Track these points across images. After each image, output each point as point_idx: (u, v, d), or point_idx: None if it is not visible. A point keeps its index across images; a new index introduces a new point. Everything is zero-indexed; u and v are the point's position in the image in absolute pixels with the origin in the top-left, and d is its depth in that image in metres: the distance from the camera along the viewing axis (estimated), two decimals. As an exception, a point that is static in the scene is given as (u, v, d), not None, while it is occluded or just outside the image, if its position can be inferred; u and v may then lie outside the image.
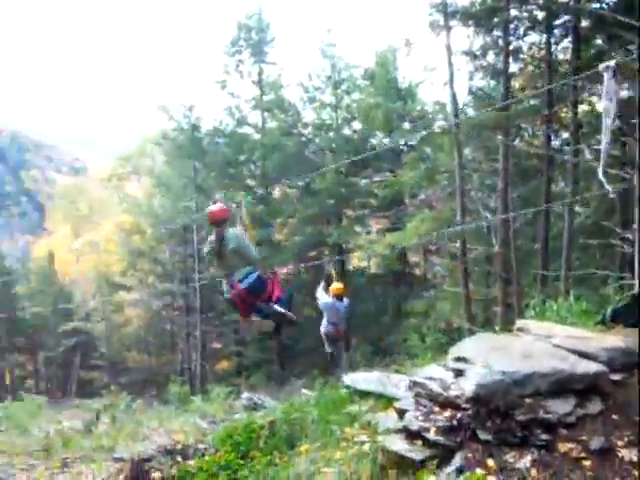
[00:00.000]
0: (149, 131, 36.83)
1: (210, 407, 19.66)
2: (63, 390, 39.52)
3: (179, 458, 6.55)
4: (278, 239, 28.56)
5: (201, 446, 6.89)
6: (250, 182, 30.27)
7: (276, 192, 29.32)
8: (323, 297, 11.22)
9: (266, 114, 29.15)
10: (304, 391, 11.03)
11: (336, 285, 11.20)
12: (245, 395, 19.34)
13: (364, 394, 6.25)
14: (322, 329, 11.58)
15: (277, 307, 6.79)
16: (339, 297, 11.12)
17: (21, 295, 42.24)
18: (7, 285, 40.56)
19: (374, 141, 28.41)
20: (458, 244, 18.76)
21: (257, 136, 29.62)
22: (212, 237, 6.91)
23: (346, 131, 28.61)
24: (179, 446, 7.10)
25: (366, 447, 4.55)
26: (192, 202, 28.85)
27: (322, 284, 11.57)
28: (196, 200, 28.88)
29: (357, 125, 29.18)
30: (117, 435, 14.38)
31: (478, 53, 16.94)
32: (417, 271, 31.62)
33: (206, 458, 5.92)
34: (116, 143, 39.44)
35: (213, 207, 6.99)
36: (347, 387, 6.66)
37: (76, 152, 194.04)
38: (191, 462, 6.14)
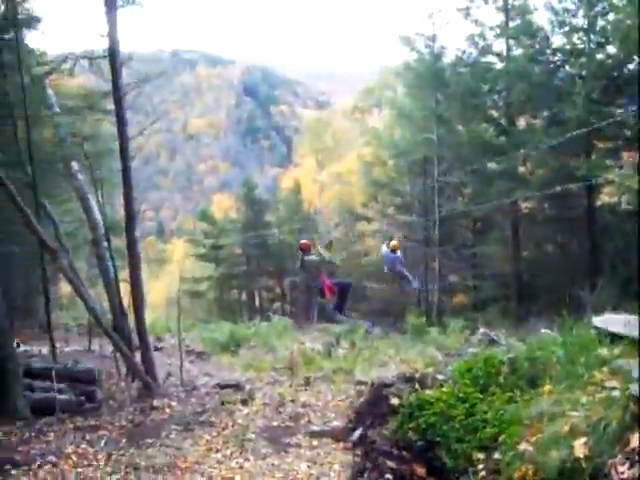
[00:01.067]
0: (391, 62, 37.68)
1: (446, 340, 20.61)
2: (306, 315, 43.74)
3: (417, 386, 6.73)
4: (522, 172, 27.72)
5: (439, 377, 7.05)
6: (493, 113, 29.62)
7: (520, 122, 28.27)
8: (385, 251, 17.66)
9: (511, 41, 28.00)
10: (544, 331, 11.07)
11: (393, 242, 17.63)
12: (481, 330, 19.96)
13: (615, 338, 6.04)
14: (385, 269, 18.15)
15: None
16: (394, 251, 17.24)
17: (270, 223, 47.16)
18: (258, 213, 45.81)
19: (631, 66, 25.61)
20: None
21: (501, 65, 28.71)
22: (300, 257, 14.82)
23: (599, 56, 26.18)
24: (417, 374, 7.36)
25: (616, 393, 4.41)
26: (433, 134, 29.16)
27: (385, 242, 18.23)
28: (437, 131, 29.20)
29: (612, 49, 26.49)
30: (355, 359, 16.01)
31: None
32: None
33: (444, 389, 6.07)
34: (359, 76, 40.91)
35: (302, 240, 15.38)
36: (596, 328, 6.58)
37: (321, 86, 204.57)
38: (429, 391, 6.29)
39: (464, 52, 29.35)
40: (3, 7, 14.30)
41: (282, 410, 10.23)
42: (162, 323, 34.38)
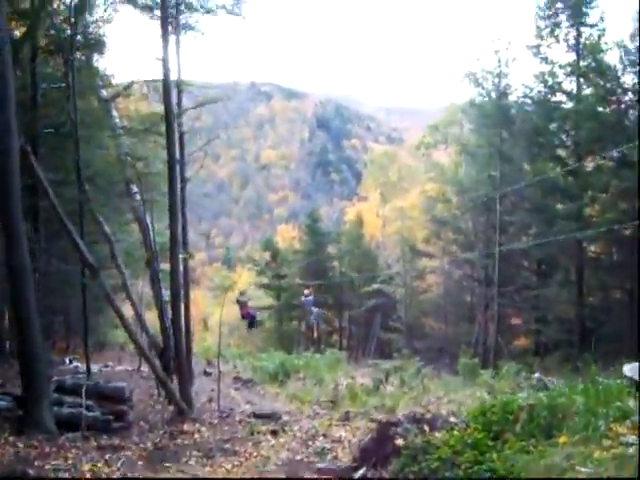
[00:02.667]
0: (459, 99, 37.52)
1: (498, 383, 19.83)
2: (363, 349, 43.29)
3: (426, 427, 6.48)
4: (588, 213, 26.76)
5: (452, 419, 6.83)
6: (560, 152, 28.82)
7: (589, 162, 27.38)
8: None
9: (582, 80, 27.22)
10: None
11: (306, 291, 21.67)
12: (536, 375, 19.06)
13: (647, 388, 5.86)
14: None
15: None
16: (308, 296, 20.61)
17: (332, 255, 47.18)
18: (320, 245, 45.89)
19: None
20: None
21: (570, 103, 27.99)
22: None
23: (673, 97, 25.20)
24: (429, 415, 7.18)
25: (632, 450, 4.21)
26: (496, 171, 28.66)
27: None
28: (501, 169, 28.66)
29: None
30: (401, 397, 15.61)
31: None
32: None
33: (455, 432, 5.80)
34: (434, 112, 40.86)
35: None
36: (626, 377, 6.17)
37: (394, 122, 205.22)
38: (438, 434, 6.04)
39: (531, 89, 28.86)
40: (70, 29, 15.09)
41: (311, 444, 10.04)
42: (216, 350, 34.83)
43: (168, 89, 11.43)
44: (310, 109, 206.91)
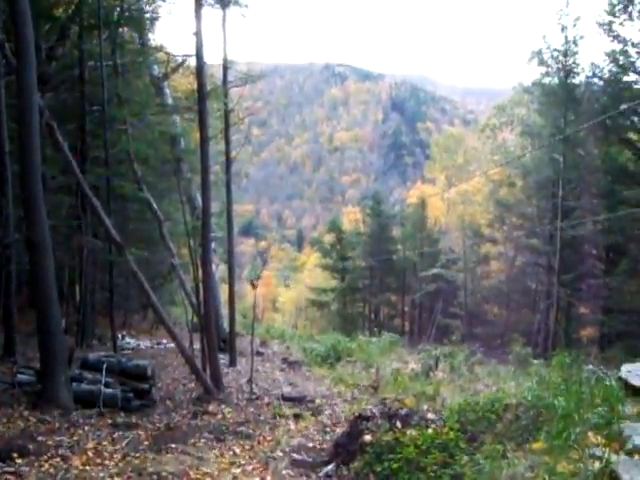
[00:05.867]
0: (527, 79, 36.04)
1: (548, 373, 19.06)
2: (423, 333, 42.75)
3: (398, 424, 6.14)
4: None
5: (430, 416, 6.47)
6: (631, 135, 27.10)
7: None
8: None
9: (656, 59, 25.48)
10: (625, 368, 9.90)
11: None
12: (589, 367, 18.17)
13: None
14: None
15: None
16: None
17: (395, 238, 46.71)
18: (384, 228, 45.49)
19: None
20: None
21: (643, 83, 26.21)
22: None
23: None
24: (404, 410, 6.78)
25: (595, 466, 3.95)
26: (559, 154, 27.35)
27: None
28: (565, 153, 27.30)
29: None
30: (445, 385, 15.17)
31: None
32: None
33: (428, 431, 5.47)
34: (510, 93, 39.52)
35: None
36: (619, 379, 5.73)
37: (470, 104, 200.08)
38: (410, 431, 5.68)
39: (601, 69, 27.21)
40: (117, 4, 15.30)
41: (329, 430, 9.87)
42: (279, 330, 35.24)
43: (201, 64, 11.34)
44: (384, 91, 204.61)
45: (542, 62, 28.87)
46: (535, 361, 21.10)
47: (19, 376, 9.30)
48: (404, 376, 16.14)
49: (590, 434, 4.53)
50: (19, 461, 6.38)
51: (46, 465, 6.47)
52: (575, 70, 28.53)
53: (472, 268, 41.80)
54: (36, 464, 6.43)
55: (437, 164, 50.84)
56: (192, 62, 14.34)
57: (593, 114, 26.43)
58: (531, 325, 33.90)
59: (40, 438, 7.24)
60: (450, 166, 46.41)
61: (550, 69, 29.06)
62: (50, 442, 7.17)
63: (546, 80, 29.48)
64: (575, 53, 28.84)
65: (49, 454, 6.77)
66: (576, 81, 28.65)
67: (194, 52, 11.47)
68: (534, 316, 34.58)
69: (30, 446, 6.80)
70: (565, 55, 28.35)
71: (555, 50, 28.59)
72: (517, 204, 35.68)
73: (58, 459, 6.71)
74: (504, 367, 21.22)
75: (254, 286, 13.66)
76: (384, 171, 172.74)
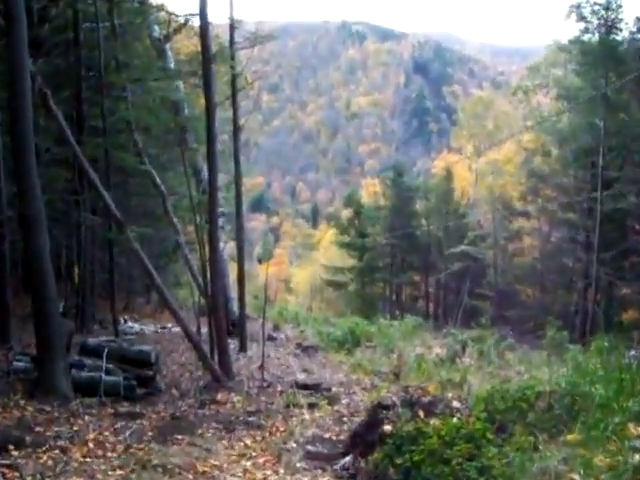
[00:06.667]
0: (564, 37, 35.50)
1: (586, 359, 19.01)
2: (449, 316, 42.76)
3: (421, 412, 6.08)
4: None
5: (456, 404, 6.40)
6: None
7: None
8: None
9: None
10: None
11: None
12: (631, 352, 18.10)
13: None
14: None
15: None
16: None
17: (419, 213, 46.57)
18: (406, 201, 45.34)
19: None
20: None
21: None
22: None
23: None
24: (427, 398, 6.75)
25: (635, 459, 3.91)
26: (599, 119, 26.96)
27: None
28: (606, 117, 26.89)
29: None
30: (473, 372, 15.18)
31: None
32: None
33: (453, 420, 5.39)
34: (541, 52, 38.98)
35: None
36: None
37: (501, 65, 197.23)
38: (433, 421, 5.59)
39: (647, 25, 26.75)
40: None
41: (346, 420, 9.93)
42: (292, 313, 35.38)
43: (205, 24, 11.26)
44: (407, 51, 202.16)
45: (581, 17, 28.39)
46: (571, 346, 21.04)
47: (15, 363, 9.41)
48: (428, 362, 16.16)
49: (630, 425, 4.41)
50: (15, 453, 6.44)
51: (44, 457, 6.54)
52: (618, 25, 28.07)
53: (503, 245, 41.66)
54: (33, 456, 6.49)
55: (464, 131, 50.47)
56: (196, 22, 14.26)
57: (637, 74, 25.98)
58: (567, 307, 33.80)
59: (38, 429, 7.33)
60: (479, 133, 46.06)
61: (590, 25, 28.61)
62: (48, 433, 7.26)
63: (585, 37, 29.07)
64: (619, 7, 28.36)
65: (47, 445, 6.84)
66: (619, 38, 28.23)
67: (198, 11, 11.38)
68: (571, 297, 34.44)
69: (27, 437, 6.88)
70: (607, 9, 27.86)
71: (596, 4, 28.11)
72: (552, 174, 35.38)
73: (57, 451, 6.78)
74: (537, 353, 21.21)
75: (264, 264, 13.71)
76: (406, 139, 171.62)
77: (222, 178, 17.34)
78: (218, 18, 15.13)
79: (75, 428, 7.58)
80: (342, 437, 8.89)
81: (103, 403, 8.85)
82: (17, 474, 5.92)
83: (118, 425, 8.02)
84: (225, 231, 21.57)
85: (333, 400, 11.42)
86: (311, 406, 10.79)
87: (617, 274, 30.44)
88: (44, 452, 6.63)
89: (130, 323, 19.43)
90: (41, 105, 11.14)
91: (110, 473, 6.42)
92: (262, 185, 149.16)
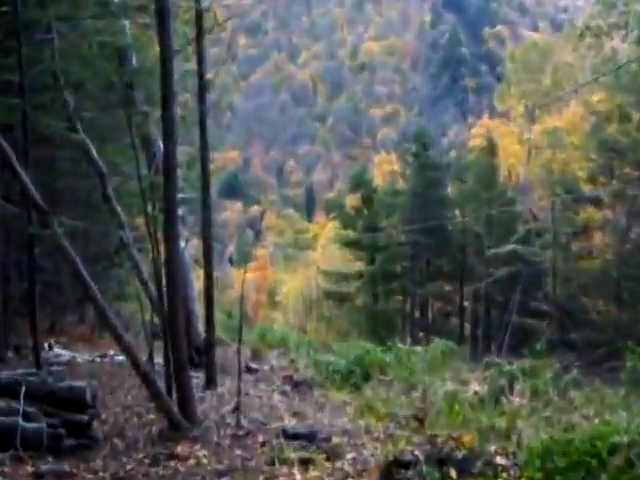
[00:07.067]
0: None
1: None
2: (491, 340, 42.83)
3: (452, 472, 6.15)
4: None
5: (500, 461, 6.44)
6: None
7: None
8: None
9: None
10: None
11: None
12: None
13: None
14: None
15: None
16: None
17: (450, 199, 46.58)
18: (434, 184, 45.31)
19: None
20: None
21: None
22: None
23: None
24: (460, 454, 6.73)
25: None
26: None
27: None
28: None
29: None
30: (526, 416, 15.21)
31: None
32: None
33: None
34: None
35: None
36: None
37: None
38: None
39: None
40: None
41: (354, 485, 9.97)
42: (279, 336, 35.42)
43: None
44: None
45: None
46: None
47: None
48: (463, 403, 16.22)
49: None
50: None
51: None
52: None
53: (565, 243, 41.65)
54: None
55: (513, 89, 50.47)
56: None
57: None
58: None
59: None
60: (532, 91, 46.07)
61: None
62: None
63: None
64: None
65: None
66: None
67: None
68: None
69: None
70: None
71: None
72: (633, 147, 35.43)
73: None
74: (612, 390, 21.30)
75: (240, 270, 13.72)
76: (433, 100, 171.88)
77: (183, 152, 17.32)
78: None
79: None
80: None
81: (20, 459, 8.80)
82: None
83: (40, 492, 8.02)
84: (187, 225, 21.54)
85: (334, 455, 11.42)
86: (304, 463, 10.79)
87: None
88: None
89: (57, 349, 19.47)
90: None
91: None
92: (238, 162, 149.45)
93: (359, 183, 50.44)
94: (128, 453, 10.33)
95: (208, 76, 16.62)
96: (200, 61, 16.01)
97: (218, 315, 18.66)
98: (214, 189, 20.01)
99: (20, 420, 9.08)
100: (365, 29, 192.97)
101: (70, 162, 21.03)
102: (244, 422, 12.75)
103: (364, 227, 48.54)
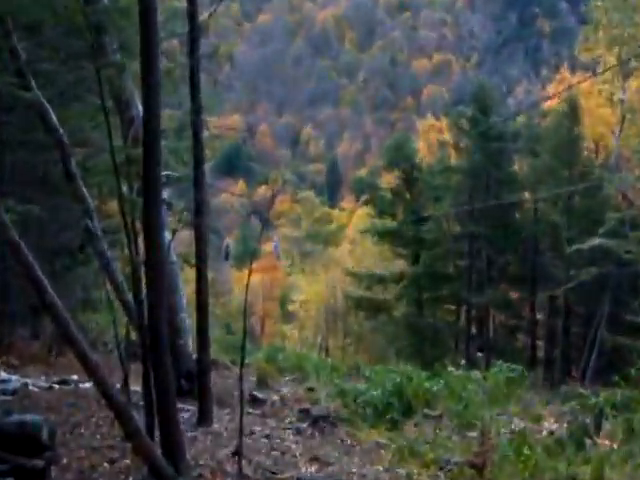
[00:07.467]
0: None
1: None
2: (573, 363, 42.72)
3: None
4: None
5: None
6: None
7: None
8: None
9: None
10: None
11: None
12: None
13: None
14: None
15: None
16: None
17: (518, 178, 46.62)
18: (497, 158, 45.27)
19: None
20: None
21: None
22: None
23: None
24: None
25: None
26: None
27: None
28: None
29: None
30: (614, 462, 15.23)
31: None
32: None
33: None
34: None
35: None
36: None
37: None
38: None
39: None
40: None
41: None
42: (293, 357, 35.50)
43: None
44: None
45: None
46: None
47: None
48: (535, 446, 16.21)
49: None
50: None
51: None
52: None
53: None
54: None
55: (602, 33, 50.24)
56: None
57: None
58: None
59: None
60: (628, 37, 45.86)
61: None
62: None
63: None
64: None
65: None
66: None
67: None
68: None
69: None
70: None
71: None
72: None
73: None
74: None
75: (243, 270, 13.75)
76: (497, 48, 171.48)
77: (169, 116, 17.35)
78: None
79: None
80: None
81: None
82: None
83: None
84: (174, 211, 21.52)
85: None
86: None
87: None
88: None
89: (4, 374, 19.55)
90: None
91: None
92: (240, 129, 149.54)
93: (398, 157, 50.31)
94: (96, 511, 10.42)
95: (202, 17, 16.63)
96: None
97: (214, 330, 18.70)
98: (209, 165, 19.93)
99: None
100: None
101: (21, 130, 21.12)
102: (247, 470, 12.79)
103: (405, 215, 48.44)
